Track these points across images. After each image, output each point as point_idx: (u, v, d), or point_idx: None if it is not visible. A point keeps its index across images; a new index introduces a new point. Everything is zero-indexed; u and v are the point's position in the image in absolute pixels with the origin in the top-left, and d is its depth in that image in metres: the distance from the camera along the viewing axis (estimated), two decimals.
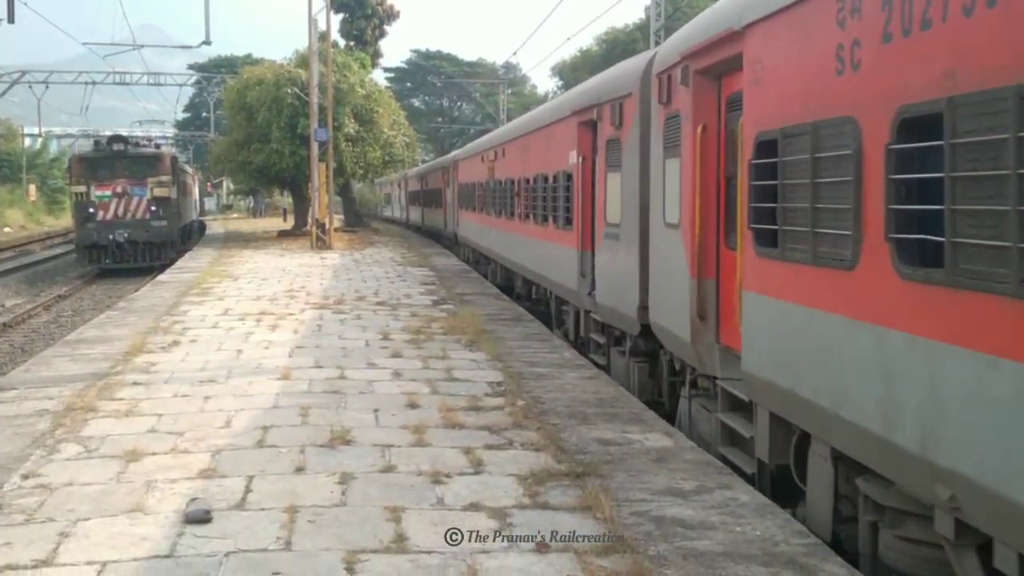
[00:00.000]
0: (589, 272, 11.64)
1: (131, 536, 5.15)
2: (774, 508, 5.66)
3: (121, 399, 8.53)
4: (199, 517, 5.36)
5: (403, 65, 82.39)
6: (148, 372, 9.81)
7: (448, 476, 6.15)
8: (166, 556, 4.88)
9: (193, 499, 5.69)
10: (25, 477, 6.23)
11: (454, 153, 32.68)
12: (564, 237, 12.87)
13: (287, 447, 6.85)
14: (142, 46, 39.74)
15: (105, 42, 39.36)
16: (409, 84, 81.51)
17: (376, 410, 8.03)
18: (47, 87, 52.58)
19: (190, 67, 73.44)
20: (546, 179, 14.22)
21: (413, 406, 8.17)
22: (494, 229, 20.37)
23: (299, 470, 6.33)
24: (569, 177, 12.46)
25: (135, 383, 9.24)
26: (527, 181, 16.03)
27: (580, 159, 11.81)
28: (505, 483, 6.03)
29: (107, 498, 5.79)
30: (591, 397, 8.65)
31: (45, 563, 4.81)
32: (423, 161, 48.27)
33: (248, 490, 5.91)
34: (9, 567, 4.75)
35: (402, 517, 5.41)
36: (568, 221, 12.56)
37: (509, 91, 64.54)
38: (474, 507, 5.57)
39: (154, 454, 6.73)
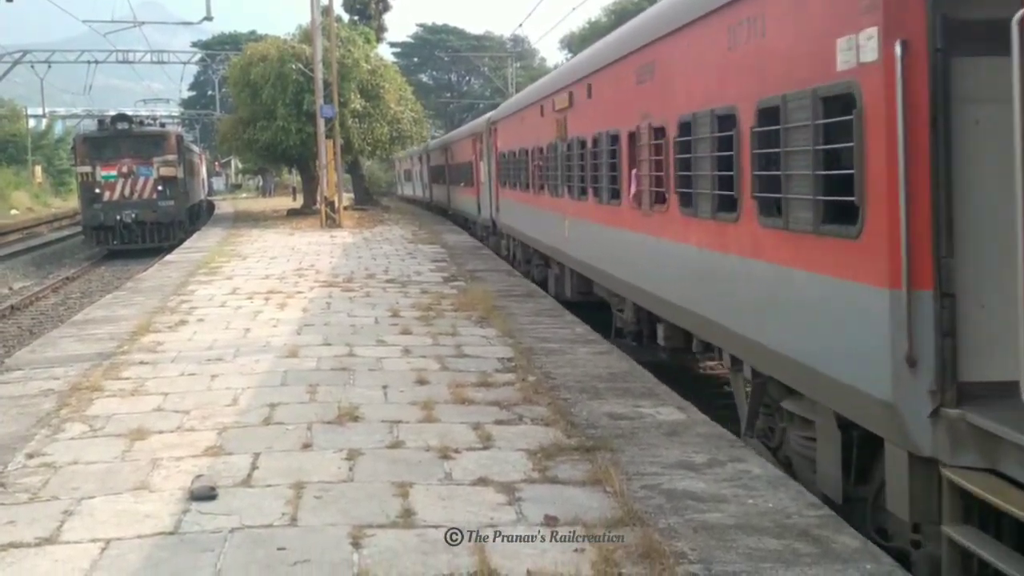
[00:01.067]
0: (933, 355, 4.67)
1: (135, 514, 5.10)
2: (787, 480, 5.57)
3: (127, 378, 8.49)
4: (204, 494, 5.31)
5: (409, 40, 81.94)
6: (155, 352, 9.77)
7: (457, 451, 6.07)
8: (170, 533, 4.83)
9: (198, 476, 5.63)
10: (30, 456, 6.21)
11: (490, 114, 24.61)
12: (836, 256, 5.32)
13: (294, 424, 6.79)
14: (143, 23, 39.48)
15: (106, 20, 39.07)
16: (416, 59, 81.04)
17: (385, 387, 7.96)
18: (49, 67, 52.30)
19: (194, 45, 73.20)
20: (776, 112, 5.96)
21: (422, 382, 8.09)
22: (577, 222, 12.80)
23: (306, 447, 6.27)
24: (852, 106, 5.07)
25: (141, 362, 9.20)
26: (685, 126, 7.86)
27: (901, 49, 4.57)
28: (514, 458, 5.95)
29: (112, 476, 5.75)
30: (603, 372, 8.55)
31: (49, 541, 4.77)
32: (433, 137, 47.74)
33: (254, 467, 5.85)
34: (12, 545, 4.72)
35: (409, 492, 5.34)
36: (847, 215, 5.19)
37: (517, 64, 64.03)
38: (482, 482, 5.50)
39: (160, 432, 6.68)
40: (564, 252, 13.87)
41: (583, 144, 12.06)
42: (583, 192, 12.16)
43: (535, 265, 17.45)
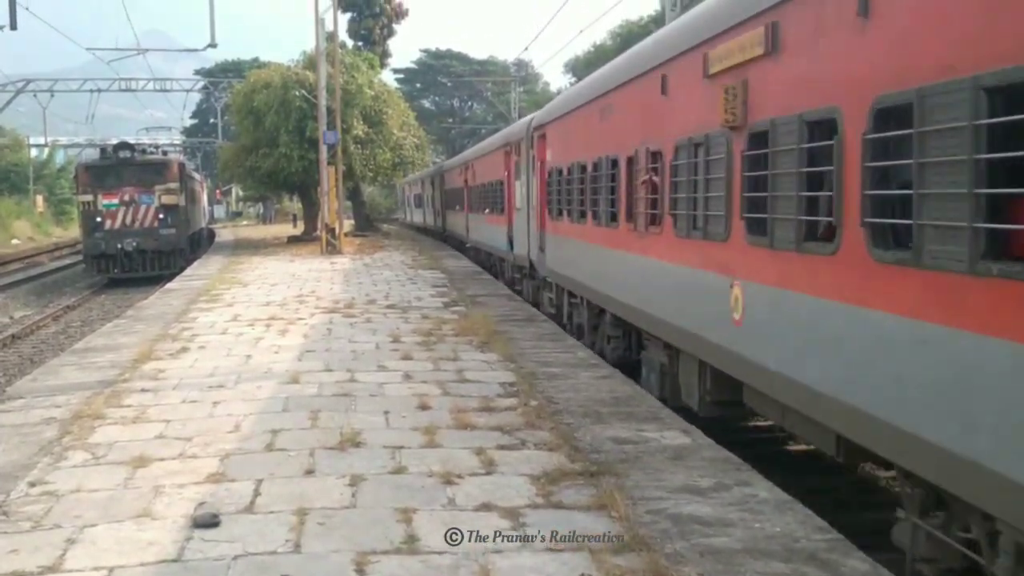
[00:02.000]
0: None
1: (138, 541, 5.06)
2: (794, 504, 5.53)
3: (129, 406, 8.46)
4: (207, 521, 5.27)
5: (413, 65, 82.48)
6: (156, 379, 9.74)
7: (459, 477, 6.04)
8: (173, 560, 4.79)
9: (201, 503, 5.60)
10: (32, 484, 6.17)
11: (534, 115, 18.21)
12: None
13: (296, 450, 6.76)
14: (147, 50, 39.77)
15: (109, 48, 39.39)
16: (419, 84, 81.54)
17: (386, 412, 7.93)
18: (52, 96, 52.65)
19: (197, 72, 73.76)
20: None
21: (424, 408, 8.06)
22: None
23: (309, 473, 6.23)
24: None
25: (143, 390, 9.17)
26: None
27: None
28: (518, 483, 5.91)
29: (114, 504, 5.71)
30: (606, 396, 8.53)
31: (51, 569, 4.73)
32: (433, 163, 47.78)
33: (257, 493, 5.82)
34: (16, 574, 4.68)
35: (413, 518, 5.30)
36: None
37: (521, 89, 64.39)
38: (486, 507, 5.47)
39: (162, 460, 6.64)
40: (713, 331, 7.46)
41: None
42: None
43: (609, 337, 11.53)
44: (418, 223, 47.51)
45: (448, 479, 5.99)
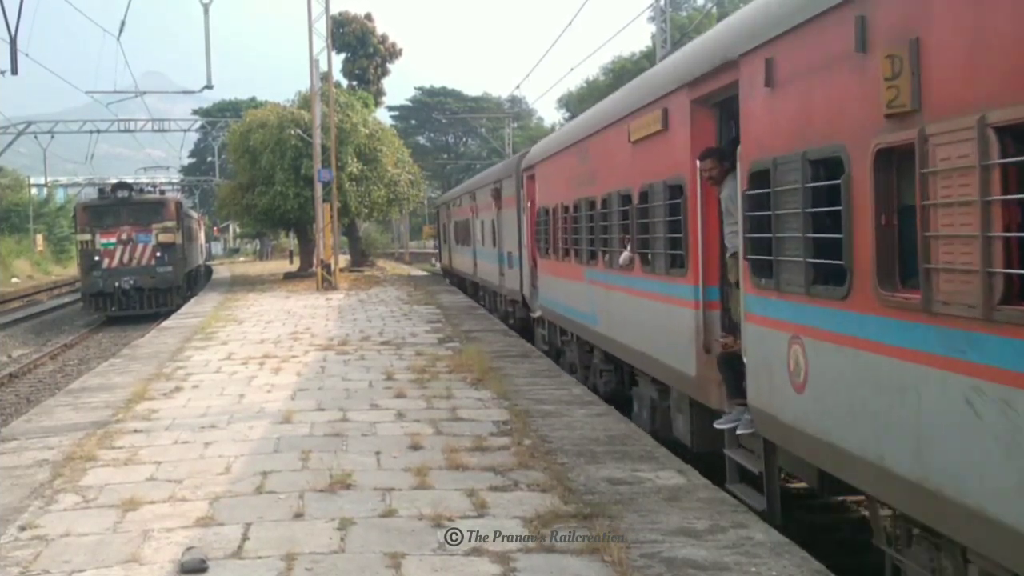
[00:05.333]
0: None
1: None
2: (791, 547, 5.46)
3: (121, 447, 8.40)
4: (195, 567, 5.21)
5: (407, 103, 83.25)
6: (149, 419, 9.68)
7: (450, 520, 5.97)
8: None
9: (189, 548, 5.53)
10: (22, 528, 6.11)
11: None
12: None
13: (286, 493, 6.70)
14: (144, 92, 40.16)
15: (108, 90, 39.76)
16: (414, 121, 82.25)
17: (378, 452, 7.87)
18: (52, 137, 53.13)
19: (194, 112, 74.29)
20: None
21: (416, 447, 8.00)
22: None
23: (298, 516, 6.17)
24: None
25: (135, 431, 9.11)
26: None
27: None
28: (510, 526, 5.85)
29: (103, 548, 5.66)
30: (600, 435, 8.47)
31: None
32: (428, 199, 47.82)
33: (245, 537, 5.75)
34: None
35: (402, 563, 5.24)
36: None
37: (515, 125, 64.92)
38: (477, 552, 5.40)
39: (152, 503, 6.58)
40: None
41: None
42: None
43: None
44: (463, 270, 28.28)
45: (439, 522, 5.92)
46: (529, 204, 16.45)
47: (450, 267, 33.63)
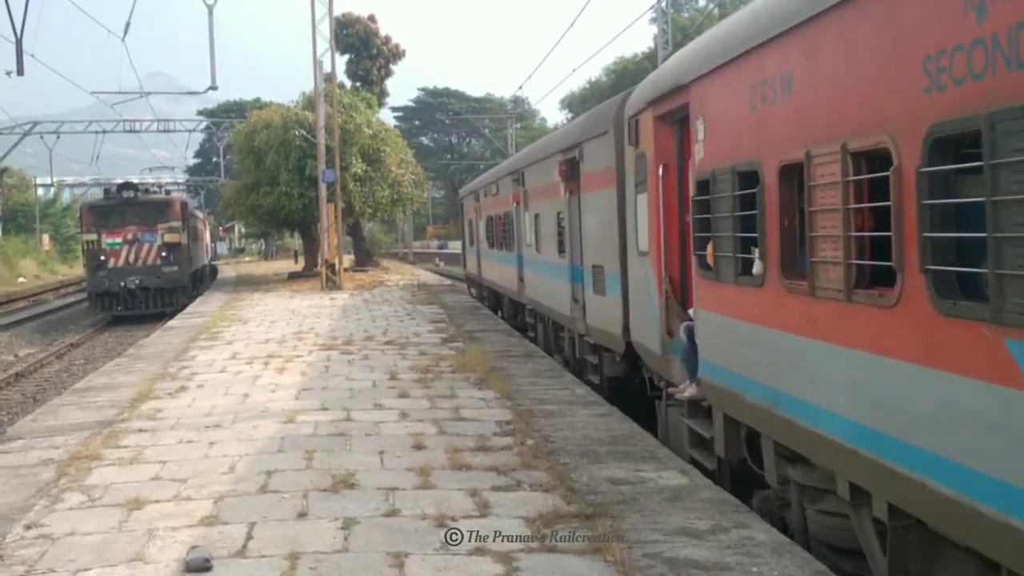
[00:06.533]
0: None
1: None
2: (793, 547, 5.48)
3: (126, 447, 8.44)
4: (199, 565, 5.24)
5: (411, 104, 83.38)
6: (154, 419, 9.73)
7: (453, 519, 5.99)
8: None
9: (193, 547, 5.57)
10: (27, 527, 6.15)
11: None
12: None
13: (290, 492, 6.73)
14: (149, 93, 40.27)
15: (113, 91, 39.89)
16: (417, 122, 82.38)
17: (381, 452, 7.90)
18: (58, 137, 53.40)
19: (199, 113, 74.56)
20: None
21: (419, 447, 8.03)
22: None
23: (301, 515, 6.20)
24: None
25: (140, 430, 9.15)
26: None
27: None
28: (512, 526, 5.87)
29: (108, 547, 5.69)
30: (603, 434, 8.48)
31: None
32: (432, 199, 47.87)
33: (249, 537, 5.78)
34: None
35: (405, 563, 5.26)
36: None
37: (518, 125, 64.93)
38: (480, 552, 5.42)
39: (157, 502, 6.62)
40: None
41: None
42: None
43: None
44: (517, 292, 18.47)
45: (442, 522, 5.95)
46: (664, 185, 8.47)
47: (479, 277, 24.82)
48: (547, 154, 14.40)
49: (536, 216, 15.59)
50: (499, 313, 21.75)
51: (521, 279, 17.48)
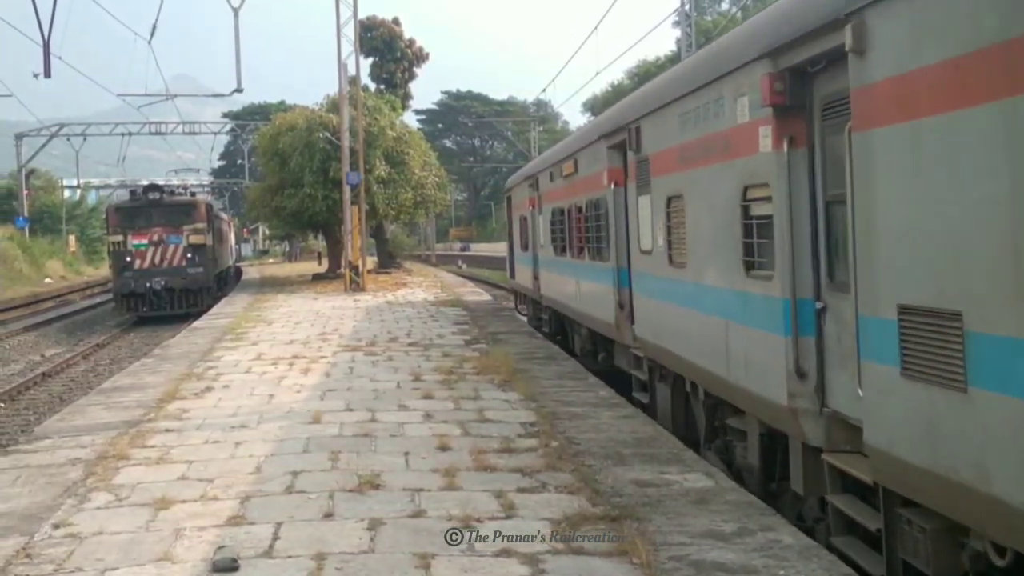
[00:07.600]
0: None
1: None
2: (819, 550, 5.43)
3: (153, 446, 8.51)
4: (226, 565, 5.27)
5: (434, 107, 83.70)
6: (180, 419, 9.80)
7: (479, 521, 5.99)
8: None
9: (220, 547, 5.60)
10: (56, 527, 6.21)
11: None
12: None
13: (316, 493, 6.75)
14: (175, 96, 40.66)
15: (139, 93, 40.33)
16: (440, 125, 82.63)
17: (406, 453, 7.91)
18: (84, 139, 54.06)
19: (224, 115, 75.20)
20: None
21: (444, 448, 8.04)
22: None
23: (328, 516, 6.22)
24: None
25: (167, 430, 9.22)
26: None
27: None
28: (538, 527, 5.86)
29: (135, 547, 5.73)
30: (628, 437, 8.45)
31: None
32: (454, 201, 48.03)
33: (276, 537, 5.81)
34: None
35: (431, 564, 5.26)
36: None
37: (541, 128, 64.95)
38: (505, 553, 5.41)
39: (184, 502, 6.66)
40: None
41: None
42: None
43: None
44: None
45: (467, 523, 5.94)
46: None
47: (535, 293, 18.96)
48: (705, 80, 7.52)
49: (677, 202, 8.60)
50: (571, 344, 15.65)
51: (621, 305, 11.48)
